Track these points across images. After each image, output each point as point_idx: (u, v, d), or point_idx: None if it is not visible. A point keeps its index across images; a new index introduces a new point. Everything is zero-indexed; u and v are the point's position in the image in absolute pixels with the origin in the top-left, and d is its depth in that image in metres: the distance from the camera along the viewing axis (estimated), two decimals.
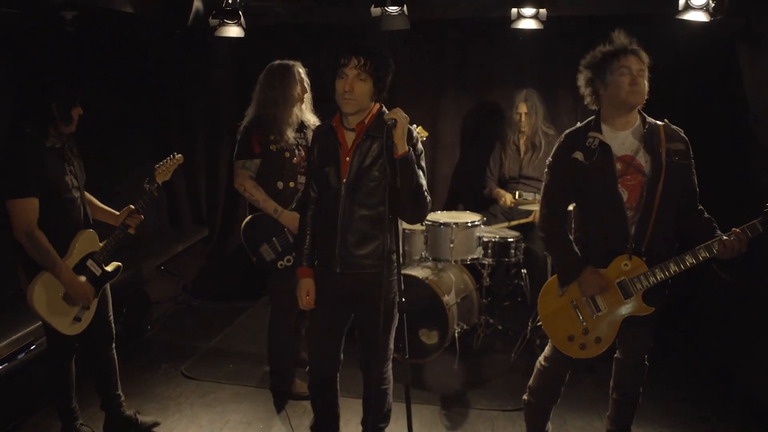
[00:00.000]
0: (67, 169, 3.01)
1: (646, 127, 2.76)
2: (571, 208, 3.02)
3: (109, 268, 3.22)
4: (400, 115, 2.52)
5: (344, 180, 2.69)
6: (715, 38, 4.36)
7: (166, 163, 3.36)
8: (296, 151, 3.60)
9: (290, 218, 3.50)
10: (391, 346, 2.90)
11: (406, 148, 2.55)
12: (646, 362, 2.97)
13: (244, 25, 4.57)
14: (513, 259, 4.34)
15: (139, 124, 5.56)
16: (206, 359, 4.39)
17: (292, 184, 3.59)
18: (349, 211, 2.69)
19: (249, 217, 3.61)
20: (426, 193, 2.66)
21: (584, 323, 2.83)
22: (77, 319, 3.06)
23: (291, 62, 3.61)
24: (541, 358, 3.05)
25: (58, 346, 3.12)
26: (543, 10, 4.32)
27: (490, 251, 4.29)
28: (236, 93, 5.56)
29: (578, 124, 2.88)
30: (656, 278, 2.71)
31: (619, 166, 2.74)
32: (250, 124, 3.58)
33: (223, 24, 4.53)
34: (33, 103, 2.91)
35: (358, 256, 2.73)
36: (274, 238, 3.56)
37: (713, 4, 4.02)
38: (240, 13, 4.51)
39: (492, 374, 4.11)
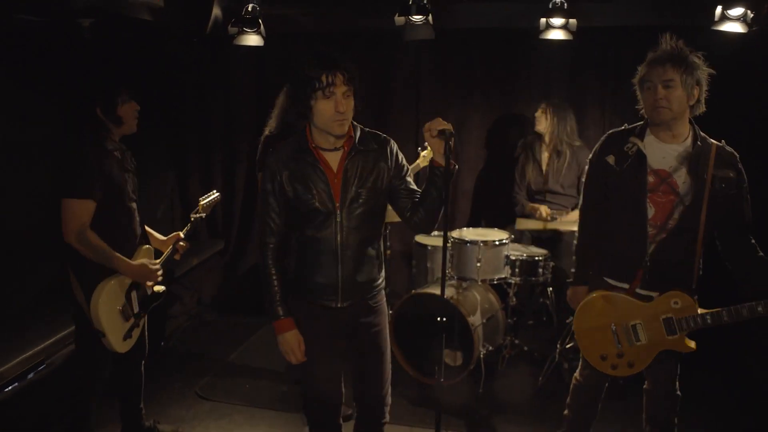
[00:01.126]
0: (128, 177, 2.95)
1: (696, 145, 2.57)
2: None
3: (157, 289, 3.18)
4: (445, 124, 2.32)
5: (338, 204, 2.41)
6: (753, 49, 4.20)
7: (210, 198, 3.41)
8: None
9: None
10: (389, 368, 2.69)
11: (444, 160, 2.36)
12: (677, 391, 2.78)
13: (264, 34, 4.46)
14: (541, 278, 4.17)
15: (156, 133, 5.46)
16: (221, 378, 4.25)
17: None
18: (348, 236, 2.43)
19: None
20: None
21: (620, 347, 2.70)
22: (129, 336, 2.99)
23: None
24: (576, 373, 2.95)
25: (94, 361, 2.99)
26: (573, 21, 4.16)
27: (517, 270, 4.13)
28: (255, 102, 5.46)
29: (625, 125, 2.72)
30: (705, 324, 2.55)
31: (651, 179, 2.59)
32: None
33: (243, 32, 4.41)
34: (81, 112, 2.90)
35: (361, 283, 2.50)
36: None
37: (751, 15, 3.87)
38: (259, 21, 4.40)
39: (518, 399, 3.94)
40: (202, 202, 3.38)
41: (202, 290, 5.61)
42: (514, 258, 4.12)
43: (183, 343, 4.86)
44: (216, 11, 4.43)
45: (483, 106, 5.25)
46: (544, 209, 4.49)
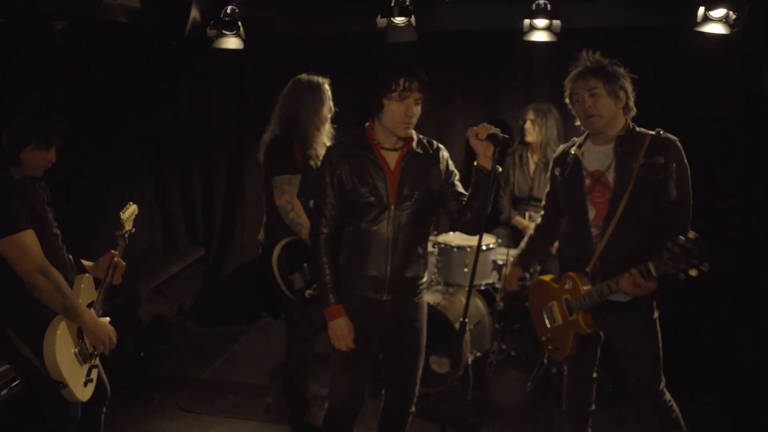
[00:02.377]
0: (47, 207, 2.59)
1: (624, 138, 2.64)
2: None
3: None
4: (493, 129, 2.48)
5: (393, 200, 2.56)
6: (733, 51, 4.21)
7: (128, 211, 2.97)
8: None
9: None
10: (421, 364, 2.84)
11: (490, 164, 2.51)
12: (664, 398, 2.73)
13: (244, 36, 4.37)
14: (528, 283, 4.11)
15: (133, 137, 5.36)
16: (204, 389, 4.14)
17: None
18: (399, 232, 2.58)
19: (284, 242, 3.30)
20: None
21: (549, 328, 2.89)
22: (89, 381, 2.63)
23: (321, 78, 3.39)
24: (565, 372, 3.06)
25: (63, 418, 2.62)
26: (557, 22, 4.13)
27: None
28: (235, 107, 5.37)
29: (573, 139, 2.86)
30: (587, 303, 2.64)
31: (588, 181, 2.70)
32: (285, 135, 3.30)
33: (222, 35, 4.32)
34: (4, 140, 2.45)
35: (407, 278, 2.64)
36: (305, 265, 3.31)
37: (733, 17, 3.87)
38: (239, 23, 4.31)
39: (508, 405, 3.89)
40: (122, 216, 2.92)
41: (182, 299, 5.48)
42: (501, 263, 4.07)
43: (163, 354, 4.73)
44: (194, 13, 4.32)
45: (466, 109, 5.20)
46: (532, 226, 4.44)
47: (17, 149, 2.45)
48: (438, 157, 2.65)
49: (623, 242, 2.60)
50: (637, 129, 2.68)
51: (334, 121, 3.45)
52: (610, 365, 3.03)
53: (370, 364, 2.78)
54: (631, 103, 2.67)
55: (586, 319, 2.70)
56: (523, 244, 3.13)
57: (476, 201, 2.56)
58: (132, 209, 3.00)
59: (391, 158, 2.59)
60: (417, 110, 2.51)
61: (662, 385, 2.73)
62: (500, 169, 2.53)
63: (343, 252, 2.66)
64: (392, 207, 2.56)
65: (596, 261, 2.65)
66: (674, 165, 2.56)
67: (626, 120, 2.68)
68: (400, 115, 2.48)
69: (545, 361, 4.01)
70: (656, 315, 2.72)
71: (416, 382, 2.81)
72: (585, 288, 2.66)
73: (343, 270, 2.65)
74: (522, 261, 3.13)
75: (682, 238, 2.30)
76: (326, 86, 3.38)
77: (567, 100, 2.76)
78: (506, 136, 2.46)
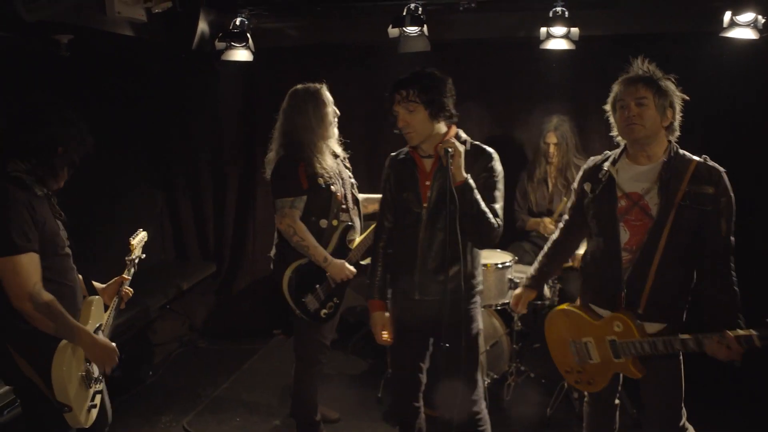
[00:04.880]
0: (59, 221, 2.51)
1: (670, 163, 2.45)
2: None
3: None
4: (455, 144, 2.53)
5: (425, 204, 2.68)
6: (764, 57, 4.02)
7: (139, 236, 2.94)
8: (338, 185, 3.27)
9: (339, 269, 3.23)
10: (480, 382, 2.84)
11: (464, 176, 2.56)
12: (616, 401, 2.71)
13: (253, 48, 4.28)
14: (547, 302, 3.94)
15: (142, 152, 5.28)
16: (211, 411, 4.03)
17: (335, 223, 3.27)
18: (430, 236, 2.69)
19: (291, 269, 3.21)
20: (492, 217, 2.63)
21: (579, 363, 2.71)
22: (93, 405, 2.52)
23: (317, 84, 3.29)
24: (585, 398, 2.91)
25: None
26: (575, 30, 3.99)
27: None
28: (244, 120, 5.27)
29: (605, 153, 2.70)
30: (644, 351, 2.45)
31: (623, 203, 2.52)
32: (290, 156, 3.20)
33: (231, 47, 4.24)
34: (31, 139, 2.39)
35: (438, 282, 2.68)
36: (317, 286, 3.24)
37: (763, 21, 3.69)
38: (248, 35, 4.22)
39: (527, 430, 3.73)
40: (133, 242, 2.89)
41: (193, 315, 5.39)
42: (518, 281, 3.88)
43: (173, 372, 4.64)
44: (202, 26, 4.25)
45: (481, 120, 5.05)
46: (547, 220, 4.31)
47: (77, 158, 2.47)
48: (477, 164, 2.69)
49: (671, 278, 2.45)
50: (680, 152, 2.51)
51: (342, 131, 3.35)
52: (632, 390, 2.86)
53: (421, 359, 2.86)
54: (677, 124, 2.51)
55: (636, 365, 2.51)
56: (536, 264, 2.94)
57: (463, 217, 2.56)
58: (142, 236, 2.97)
59: (428, 164, 2.73)
60: (410, 118, 2.62)
61: (683, 420, 2.58)
62: (464, 180, 2.56)
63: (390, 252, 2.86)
64: (423, 211, 2.69)
65: (646, 300, 2.46)
66: (725, 199, 2.42)
67: (669, 141, 2.52)
68: (401, 125, 2.66)
69: (566, 384, 3.82)
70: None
71: (455, 394, 2.73)
72: (645, 337, 2.45)
73: (389, 269, 2.86)
74: (535, 283, 2.96)
75: None
76: (324, 90, 3.28)
77: (608, 106, 2.59)
78: (447, 147, 2.51)
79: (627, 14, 4.27)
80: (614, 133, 2.61)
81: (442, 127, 2.70)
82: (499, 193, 2.71)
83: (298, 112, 3.22)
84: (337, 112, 3.32)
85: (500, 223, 2.67)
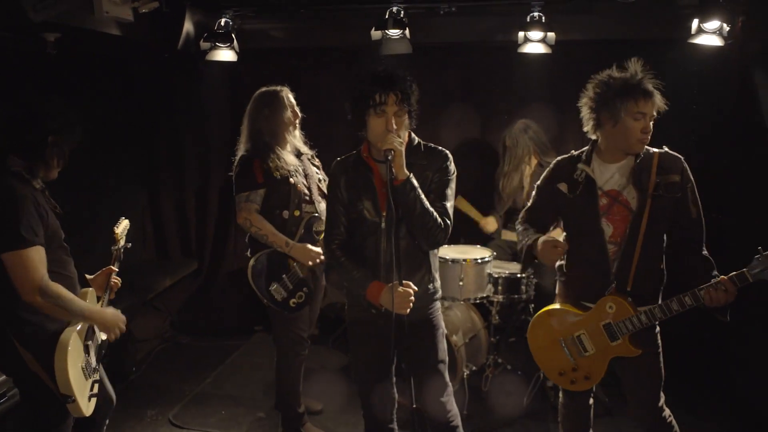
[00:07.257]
0: (56, 214, 2.58)
1: (638, 160, 2.60)
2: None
3: (103, 336, 2.77)
4: (395, 142, 2.42)
5: (384, 213, 2.54)
6: (728, 63, 4.20)
7: (122, 225, 2.99)
8: (299, 177, 3.39)
9: (301, 251, 3.31)
10: (447, 378, 2.76)
11: (406, 174, 2.47)
12: (664, 414, 2.71)
13: (237, 49, 4.35)
14: (524, 296, 4.08)
15: (126, 150, 5.30)
16: (196, 404, 4.09)
17: (297, 213, 3.37)
18: (393, 245, 2.54)
19: (254, 258, 3.35)
20: (437, 216, 2.53)
21: (573, 361, 2.75)
22: (93, 395, 2.61)
23: (278, 87, 3.44)
24: (560, 400, 2.97)
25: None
26: (551, 34, 4.12)
27: (500, 288, 4.03)
28: (229, 119, 5.31)
29: (572, 152, 2.78)
30: (641, 323, 2.57)
31: (604, 201, 2.64)
32: (247, 154, 3.37)
33: (215, 47, 4.30)
34: (24, 135, 2.46)
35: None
36: (284, 276, 3.33)
37: (727, 28, 3.88)
38: (233, 36, 4.29)
39: (505, 420, 3.85)
40: (117, 231, 2.94)
41: (175, 312, 5.43)
42: (496, 276, 4.03)
43: (156, 368, 4.68)
44: (188, 26, 4.31)
45: (461, 122, 5.17)
46: (490, 221, 4.45)
47: (68, 146, 2.53)
48: (434, 165, 2.61)
49: (652, 261, 2.61)
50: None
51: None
52: (604, 379, 2.99)
53: (389, 369, 2.76)
54: None
55: (634, 342, 2.60)
56: (527, 234, 2.83)
57: (406, 217, 2.50)
58: (125, 224, 3.02)
59: (382, 170, 2.55)
60: (399, 123, 2.47)
61: (662, 401, 2.71)
62: (403, 180, 2.47)
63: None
64: (382, 220, 2.54)
65: (632, 280, 2.59)
66: (690, 185, 2.59)
67: None
68: (381, 130, 2.46)
69: (542, 375, 3.96)
70: (657, 329, 2.70)
71: (431, 393, 2.73)
72: (640, 308, 2.56)
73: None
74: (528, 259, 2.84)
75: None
76: (283, 94, 3.41)
77: (621, 110, 2.53)
78: (390, 150, 2.42)
79: (602, 20, 4.40)
80: (587, 129, 2.67)
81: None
82: (450, 192, 2.64)
83: (258, 114, 3.39)
84: (299, 113, 3.47)
85: (448, 222, 2.58)
